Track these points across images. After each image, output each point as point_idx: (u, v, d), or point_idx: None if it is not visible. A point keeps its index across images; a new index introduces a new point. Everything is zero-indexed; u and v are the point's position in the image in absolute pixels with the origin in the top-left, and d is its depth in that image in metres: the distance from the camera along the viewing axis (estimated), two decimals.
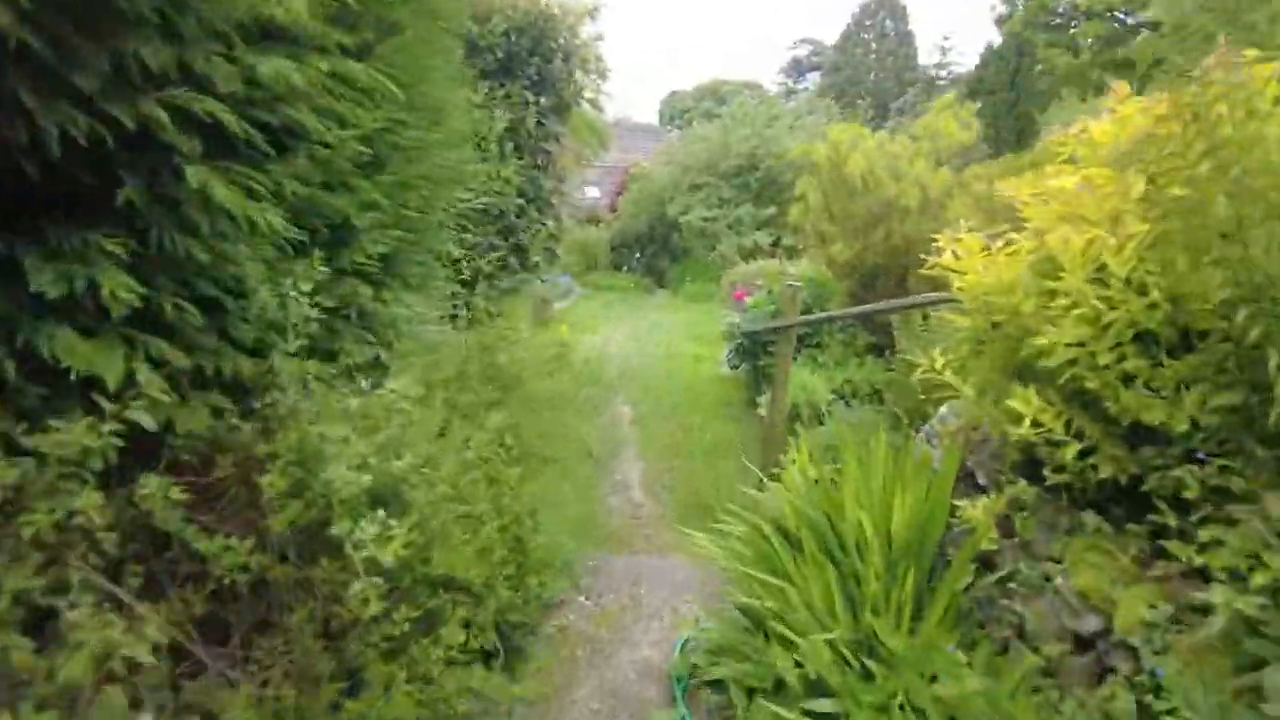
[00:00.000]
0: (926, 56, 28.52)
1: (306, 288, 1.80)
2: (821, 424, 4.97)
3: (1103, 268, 2.01)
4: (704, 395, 7.06)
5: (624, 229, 17.40)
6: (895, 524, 2.39)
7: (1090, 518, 2.11)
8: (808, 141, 5.19)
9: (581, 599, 3.54)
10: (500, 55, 5.50)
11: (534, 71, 5.61)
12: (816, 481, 2.91)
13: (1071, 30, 26.02)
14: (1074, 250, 2.07)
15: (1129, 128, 2.32)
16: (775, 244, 14.59)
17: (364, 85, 2.07)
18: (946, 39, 36.59)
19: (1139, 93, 2.45)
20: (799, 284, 4.39)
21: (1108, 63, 23.19)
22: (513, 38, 5.54)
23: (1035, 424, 2.07)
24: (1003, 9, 26.36)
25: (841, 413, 4.98)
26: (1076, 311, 1.98)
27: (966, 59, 35.82)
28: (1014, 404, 2.08)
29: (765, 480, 4.88)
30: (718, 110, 19.00)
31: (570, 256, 16.52)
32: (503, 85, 5.41)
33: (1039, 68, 22.62)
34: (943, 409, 3.16)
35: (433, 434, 2.12)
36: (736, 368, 6.22)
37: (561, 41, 5.69)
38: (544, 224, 5.91)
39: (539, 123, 5.72)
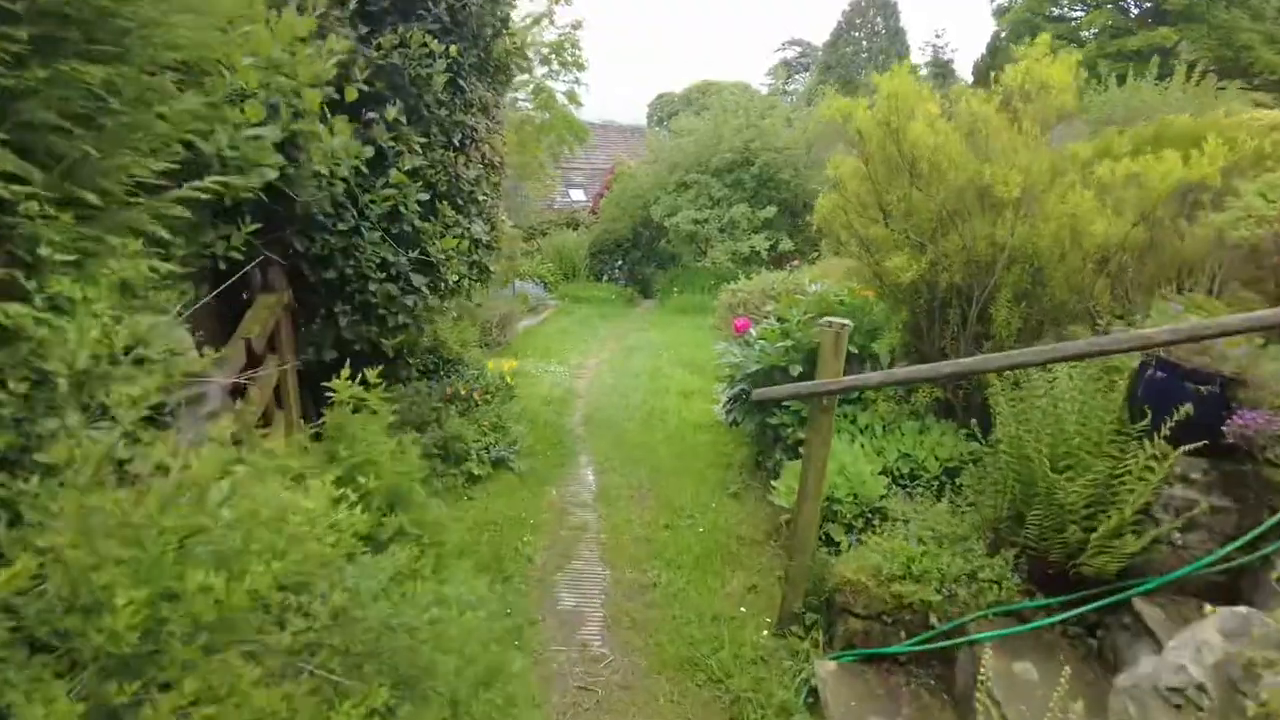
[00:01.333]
0: (919, 54, 27.42)
1: None
2: (874, 529, 3.27)
3: None
4: (695, 452, 5.35)
5: (605, 233, 15.65)
6: None
7: None
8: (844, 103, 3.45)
9: None
10: None
11: (444, 10, 3.88)
12: None
13: (1074, 23, 24.76)
14: None
15: None
16: (773, 248, 12.93)
17: None
18: (939, 35, 35.19)
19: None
20: (844, 322, 2.69)
21: (1115, 54, 21.86)
22: None
23: None
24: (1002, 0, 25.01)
25: (903, 509, 3.27)
26: None
27: (960, 56, 34.64)
28: None
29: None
30: (707, 103, 17.33)
31: (545, 265, 14.81)
32: (394, 29, 3.69)
33: None
34: (1213, 621, 1.47)
35: None
36: (737, 423, 4.52)
37: None
38: (466, 229, 4.19)
39: (454, 83, 3.99)
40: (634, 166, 16.60)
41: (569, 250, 15.43)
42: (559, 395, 6.87)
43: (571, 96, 13.48)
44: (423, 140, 3.78)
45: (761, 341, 4.30)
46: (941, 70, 20.61)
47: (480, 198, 4.28)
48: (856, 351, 3.88)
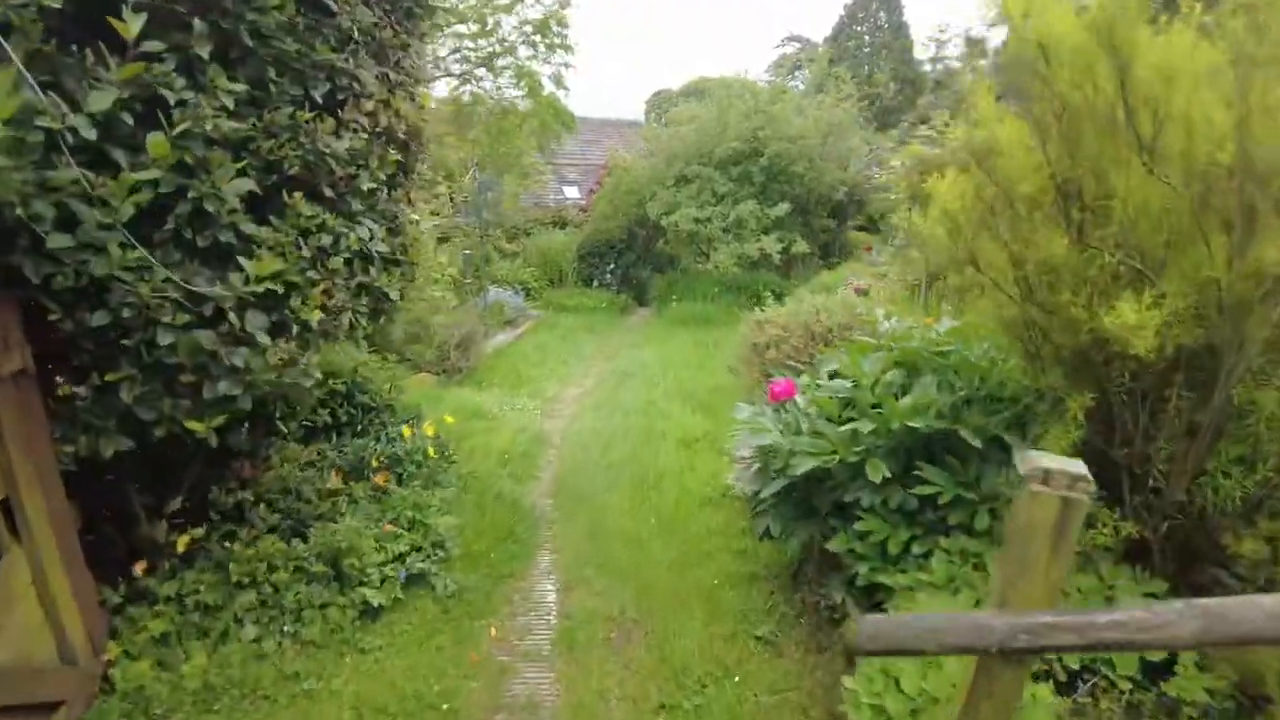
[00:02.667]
0: (923, 50, 26.16)
1: None
2: None
3: None
4: (702, 550, 3.79)
5: (596, 233, 14.01)
6: None
7: None
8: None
9: None
10: None
11: None
12: None
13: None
14: None
15: None
16: (785, 251, 11.34)
17: None
18: (942, 30, 33.28)
19: None
20: (1076, 469, 1.16)
21: None
22: None
23: None
24: None
25: None
26: None
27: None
28: None
29: None
30: (709, 90, 15.67)
31: (527, 269, 13.20)
32: None
33: None
34: None
35: None
36: (773, 537, 2.97)
37: None
38: (344, 234, 2.63)
39: (313, 1, 2.42)
40: (629, 160, 14.97)
41: (555, 252, 13.82)
42: (522, 448, 5.30)
43: (558, 80, 11.92)
44: (247, 88, 2.21)
45: (813, 412, 2.73)
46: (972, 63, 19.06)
47: (367, 186, 2.70)
48: (979, 447, 2.32)
